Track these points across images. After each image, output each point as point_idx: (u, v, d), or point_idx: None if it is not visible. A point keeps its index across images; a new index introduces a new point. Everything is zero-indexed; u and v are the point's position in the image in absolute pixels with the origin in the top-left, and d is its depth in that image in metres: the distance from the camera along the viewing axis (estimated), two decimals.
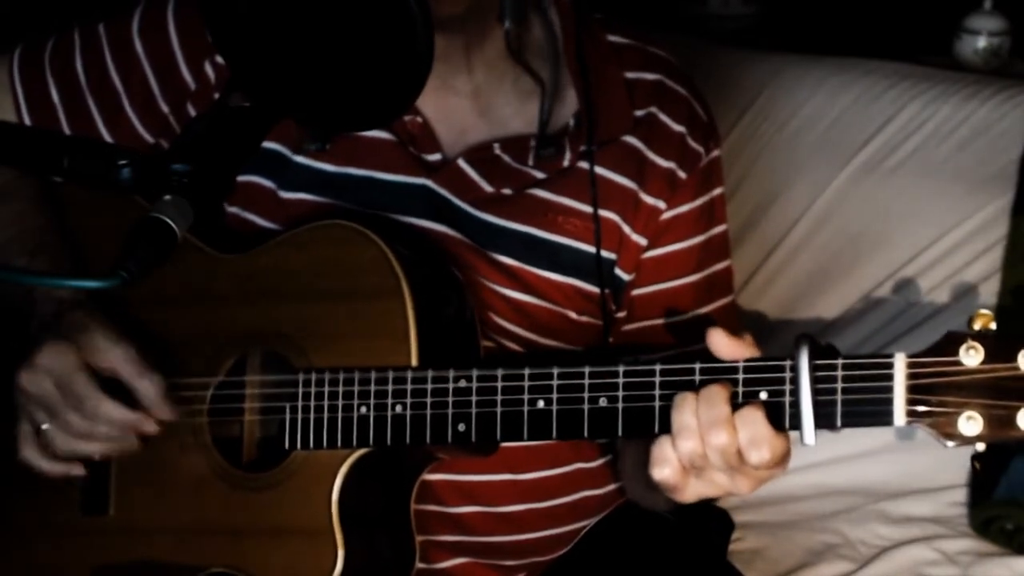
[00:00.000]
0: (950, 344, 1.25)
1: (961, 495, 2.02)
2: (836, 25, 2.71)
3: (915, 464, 2.04)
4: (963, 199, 2.18)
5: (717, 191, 1.63)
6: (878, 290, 2.18)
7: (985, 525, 1.97)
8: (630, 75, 1.59)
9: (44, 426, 1.44)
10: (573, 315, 1.56)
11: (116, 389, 1.44)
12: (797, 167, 2.29)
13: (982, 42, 2.50)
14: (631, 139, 1.57)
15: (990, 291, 2.11)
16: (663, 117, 1.58)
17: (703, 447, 1.27)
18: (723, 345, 1.31)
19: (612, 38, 1.61)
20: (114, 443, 1.46)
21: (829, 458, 2.06)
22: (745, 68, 2.39)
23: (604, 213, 1.55)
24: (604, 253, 1.55)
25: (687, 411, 1.28)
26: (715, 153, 1.62)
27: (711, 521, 1.77)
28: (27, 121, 1.62)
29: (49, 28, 1.66)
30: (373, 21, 1.15)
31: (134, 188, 1.19)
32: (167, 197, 1.18)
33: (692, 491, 1.31)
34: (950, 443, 1.25)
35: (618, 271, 1.57)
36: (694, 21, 2.80)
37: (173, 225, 1.16)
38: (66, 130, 1.62)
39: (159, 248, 1.16)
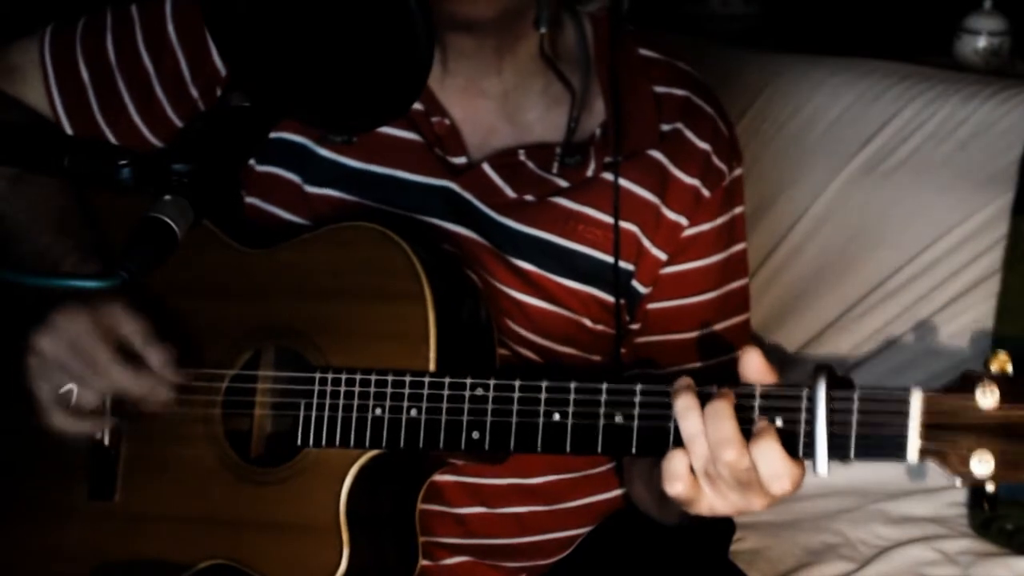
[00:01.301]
0: (966, 384, 1.26)
1: (961, 495, 2.02)
2: (836, 25, 2.71)
3: (915, 464, 2.03)
4: (963, 199, 2.18)
5: (738, 209, 1.63)
6: (878, 291, 2.18)
7: (985, 525, 1.97)
8: (659, 89, 1.59)
9: (65, 387, 1.44)
10: (588, 323, 1.56)
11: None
12: (797, 167, 2.29)
13: (982, 42, 2.50)
14: (656, 153, 1.57)
15: (990, 291, 2.11)
16: (689, 134, 1.58)
17: (713, 459, 1.28)
18: (755, 366, 1.30)
19: (643, 52, 1.61)
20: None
21: None
22: (745, 68, 2.39)
23: (624, 225, 1.55)
24: (623, 264, 1.55)
25: (693, 417, 1.28)
26: (737, 172, 1.62)
27: (713, 522, 1.77)
28: (57, 100, 1.62)
29: (67, 17, 1.66)
30: (373, 21, 1.15)
31: (134, 188, 1.19)
32: (167, 197, 1.18)
33: (706, 504, 1.31)
34: (960, 481, 1.26)
35: (635, 283, 1.57)
36: (694, 21, 2.80)
37: (173, 225, 1.16)
38: (96, 111, 1.62)
39: (159, 248, 1.16)
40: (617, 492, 1.65)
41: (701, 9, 2.82)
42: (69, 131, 1.62)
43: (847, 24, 2.71)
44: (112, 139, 1.61)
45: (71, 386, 1.44)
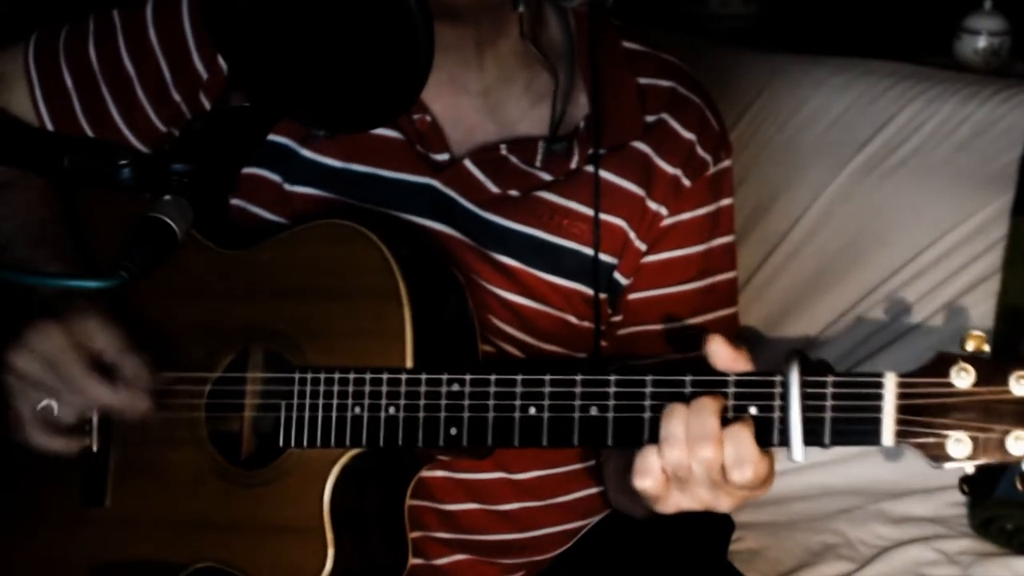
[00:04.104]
0: (941, 365, 1.25)
1: (961, 495, 2.02)
2: (836, 25, 2.71)
3: (914, 464, 2.01)
4: (963, 199, 2.18)
5: (725, 202, 1.62)
6: (878, 290, 2.18)
7: (985, 525, 1.97)
8: (643, 81, 1.58)
9: (43, 403, 1.44)
10: (574, 320, 1.56)
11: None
12: (797, 167, 2.29)
13: (982, 42, 2.50)
14: (641, 145, 1.56)
15: (990, 291, 2.11)
16: (674, 124, 1.57)
17: (689, 458, 1.27)
18: (721, 353, 1.30)
19: (627, 44, 1.60)
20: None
21: (829, 458, 2.06)
22: (745, 68, 2.39)
23: (612, 219, 1.55)
24: (605, 257, 1.55)
25: (677, 421, 1.28)
26: (725, 163, 1.61)
27: (711, 521, 1.77)
28: (42, 107, 1.63)
29: (52, 24, 1.67)
30: (373, 21, 1.15)
31: (134, 188, 1.19)
32: (167, 197, 1.18)
33: (673, 503, 1.31)
34: (938, 465, 1.25)
35: (616, 275, 1.57)
36: (694, 21, 2.80)
37: (173, 225, 1.17)
38: (80, 117, 1.62)
39: (159, 248, 1.16)
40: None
41: (701, 9, 2.82)
42: None
43: (847, 24, 2.71)
44: None
45: (48, 402, 1.44)
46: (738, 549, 1.91)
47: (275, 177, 1.56)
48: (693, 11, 2.83)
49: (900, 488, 2.05)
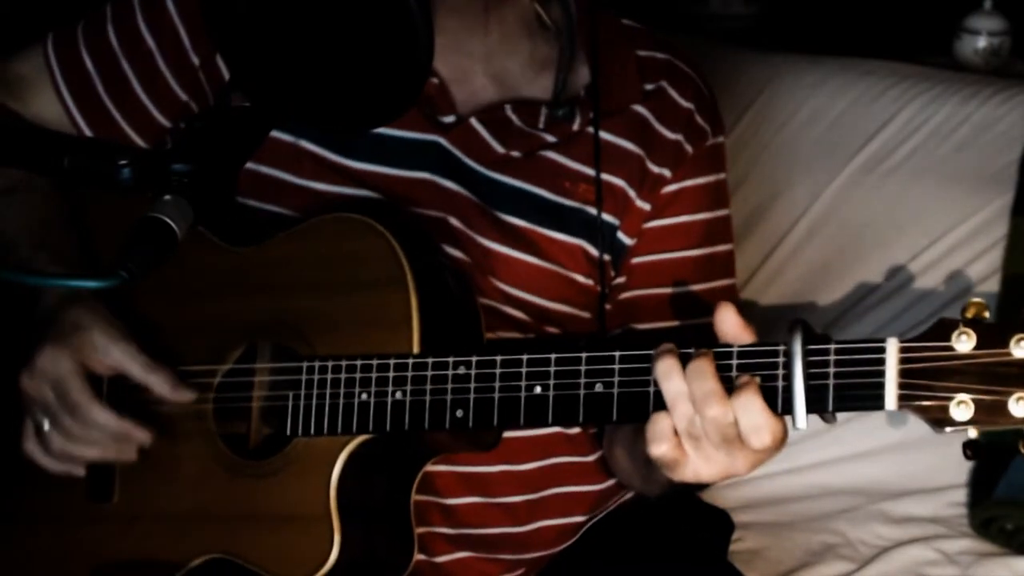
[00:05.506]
0: (942, 330, 1.25)
1: (961, 495, 2.02)
2: (836, 25, 2.71)
3: (915, 464, 2.04)
4: (963, 199, 2.18)
5: (723, 175, 1.66)
6: (878, 291, 2.18)
7: (985, 525, 1.97)
8: (642, 53, 1.63)
9: (45, 427, 1.47)
10: (579, 278, 1.58)
11: (116, 393, 1.47)
12: (797, 167, 2.29)
13: (982, 42, 2.50)
14: (640, 108, 1.60)
15: (990, 291, 2.11)
16: (672, 92, 1.61)
17: (696, 414, 1.28)
18: (730, 321, 1.31)
19: (626, 22, 1.66)
20: (110, 450, 1.48)
21: (829, 458, 2.06)
22: (745, 68, 2.39)
23: (611, 179, 1.58)
24: (607, 217, 1.58)
25: (675, 379, 1.28)
26: (721, 139, 1.65)
27: (711, 521, 1.77)
28: (66, 96, 1.64)
29: (50, 26, 1.67)
30: (373, 20, 1.15)
31: (134, 188, 1.19)
32: (167, 197, 1.18)
33: (691, 468, 1.31)
34: (941, 429, 1.25)
35: (620, 235, 1.59)
36: (694, 21, 2.81)
37: (173, 225, 1.17)
38: (105, 99, 1.63)
39: (159, 248, 1.16)
40: (606, 484, 1.65)
41: (701, 9, 2.83)
42: (83, 125, 1.63)
43: (847, 24, 2.71)
44: (123, 124, 1.63)
45: (47, 428, 1.46)
46: (738, 549, 1.91)
47: (286, 137, 1.57)
48: (693, 11, 2.83)
49: (900, 488, 2.05)
